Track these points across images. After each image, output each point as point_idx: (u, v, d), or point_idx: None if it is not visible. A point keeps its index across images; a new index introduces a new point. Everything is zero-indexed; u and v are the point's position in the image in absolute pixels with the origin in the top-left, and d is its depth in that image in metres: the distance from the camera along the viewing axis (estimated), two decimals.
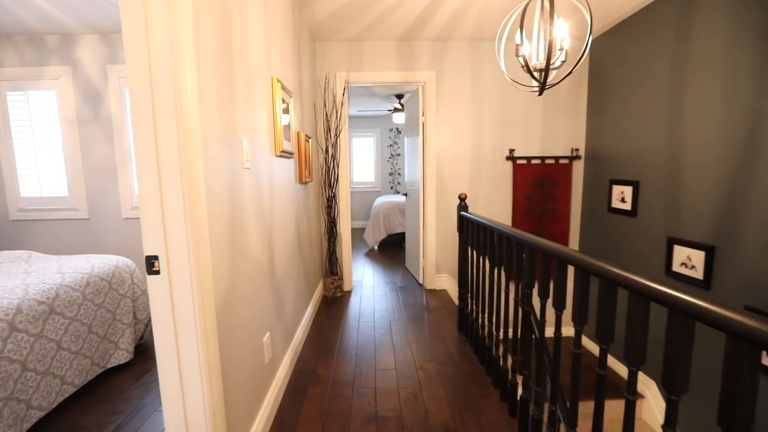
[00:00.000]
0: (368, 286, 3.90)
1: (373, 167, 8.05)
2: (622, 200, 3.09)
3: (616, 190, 3.17)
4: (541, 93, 1.87)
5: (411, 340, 2.62)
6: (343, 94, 3.42)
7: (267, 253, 1.81)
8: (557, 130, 3.61)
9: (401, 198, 6.23)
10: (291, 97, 2.27)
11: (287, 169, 2.28)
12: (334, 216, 3.46)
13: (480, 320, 2.35)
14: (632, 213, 2.99)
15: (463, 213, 2.56)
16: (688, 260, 2.47)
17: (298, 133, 2.56)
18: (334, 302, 3.39)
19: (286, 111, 2.14)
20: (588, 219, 3.61)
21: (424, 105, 3.56)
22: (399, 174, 8.06)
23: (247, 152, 1.52)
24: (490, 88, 3.53)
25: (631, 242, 3.02)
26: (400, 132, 7.94)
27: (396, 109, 5.82)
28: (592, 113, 3.50)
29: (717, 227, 2.29)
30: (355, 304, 3.35)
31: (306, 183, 2.86)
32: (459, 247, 2.66)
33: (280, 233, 2.06)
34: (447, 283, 3.73)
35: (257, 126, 1.69)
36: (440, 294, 3.59)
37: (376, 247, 5.83)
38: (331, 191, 3.44)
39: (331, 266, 3.50)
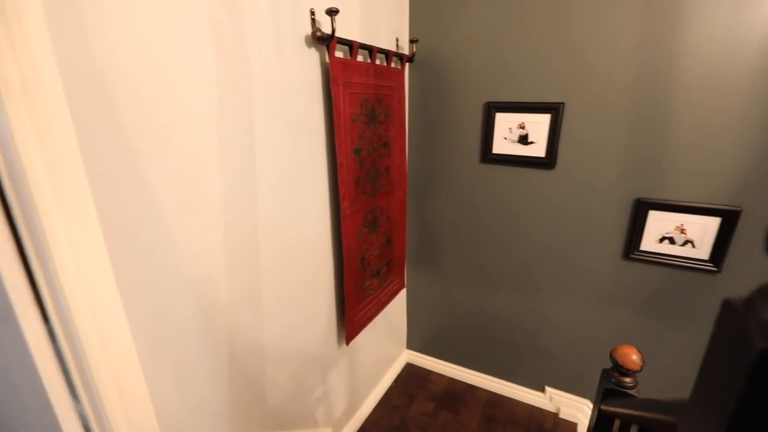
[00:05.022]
0: None
1: None
2: (523, 140, 1.72)
3: (506, 122, 1.74)
4: None
5: None
6: None
7: None
8: None
9: None
10: None
11: None
12: None
13: None
14: (547, 162, 1.70)
15: None
16: (679, 232, 1.53)
17: None
18: None
19: None
20: (427, 178, 2.02)
21: None
22: None
23: None
24: None
25: (547, 214, 1.77)
26: None
27: None
28: None
29: (745, 179, 1.41)
30: None
31: None
32: None
33: None
34: None
35: None
36: None
37: None
38: None
39: None
